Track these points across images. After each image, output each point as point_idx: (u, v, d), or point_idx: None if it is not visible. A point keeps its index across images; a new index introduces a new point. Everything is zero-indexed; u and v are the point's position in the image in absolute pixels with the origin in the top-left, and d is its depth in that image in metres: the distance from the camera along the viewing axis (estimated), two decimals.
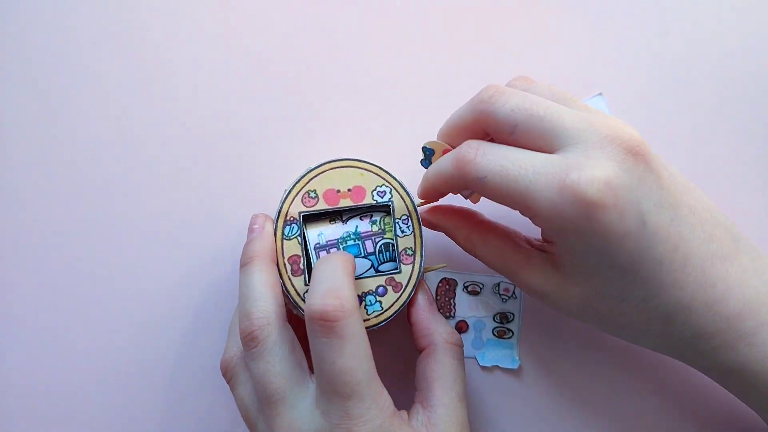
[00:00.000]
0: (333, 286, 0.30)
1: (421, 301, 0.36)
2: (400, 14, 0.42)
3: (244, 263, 0.34)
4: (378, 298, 0.35)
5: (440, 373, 0.34)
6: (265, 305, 0.32)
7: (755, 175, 0.41)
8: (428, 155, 0.35)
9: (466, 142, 0.32)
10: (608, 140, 0.29)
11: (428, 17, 0.42)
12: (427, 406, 0.33)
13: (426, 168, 0.35)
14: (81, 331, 0.39)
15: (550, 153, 0.30)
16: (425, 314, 0.35)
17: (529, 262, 0.33)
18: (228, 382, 0.35)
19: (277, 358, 0.31)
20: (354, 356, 0.29)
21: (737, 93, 0.42)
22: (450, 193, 0.35)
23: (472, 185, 0.31)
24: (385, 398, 0.31)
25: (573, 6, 0.42)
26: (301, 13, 0.42)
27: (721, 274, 0.31)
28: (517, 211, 0.31)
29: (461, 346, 0.35)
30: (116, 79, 0.41)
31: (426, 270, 0.36)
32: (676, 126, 0.41)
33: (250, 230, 0.36)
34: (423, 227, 0.36)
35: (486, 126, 0.32)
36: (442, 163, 0.33)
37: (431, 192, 0.35)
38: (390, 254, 0.36)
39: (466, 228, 0.36)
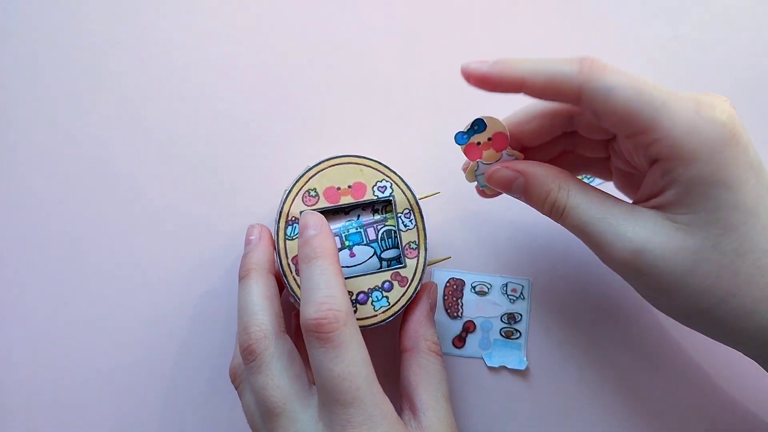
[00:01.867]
0: (325, 294, 0.30)
1: (422, 303, 0.36)
2: (402, 11, 0.42)
3: (242, 276, 0.34)
4: (384, 294, 0.35)
5: (424, 377, 0.34)
6: (262, 318, 0.32)
7: None
8: (475, 131, 0.32)
9: (588, 56, 0.28)
10: (714, 96, 0.29)
11: (430, 13, 0.42)
12: (415, 410, 0.33)
13: (460, 143, 0.33)
14: (84, 328, 0.39)
15: None
16: (418, 316, 0.35)
17: (634, 211, 0.29)
18: (236, 389, 0.34)
19: (275, 372, 0.31)
20: (353, 362, 0.29)
21: (745, 95, 0.41)
22: (515, 92, 0.30)
23: (590, 94, 0.28)
24: (387, 404, 0.30)
25: (577, 6, 0.42)
26: (300, 12, 0.42)
27: None
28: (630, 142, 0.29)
29: (441, 356, 0.35)
30: (120, 78, 0.41)
31: (430, 263, 0.36)
32: None
33: (247, 242, 0.36)
34: (425, 221, 0.36)
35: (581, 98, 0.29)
36: (553, 59, 0.29)
37: (506, 77, 0.29)
38: (392, 241, 0.35)
39: (558, 176, 0.31)
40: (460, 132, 0.33)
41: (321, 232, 0.32)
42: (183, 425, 0.39)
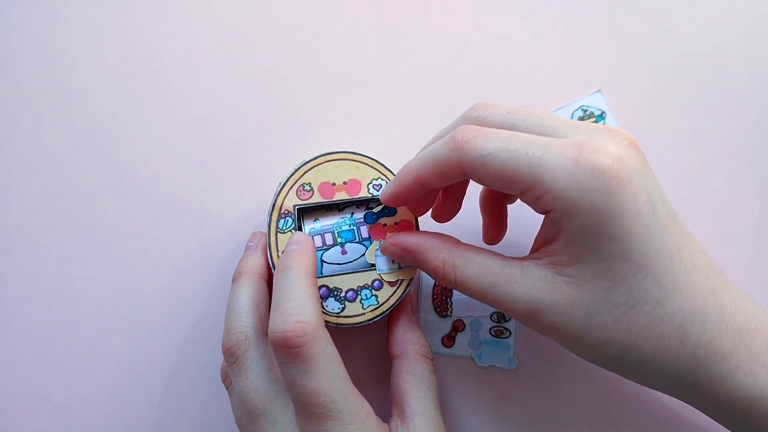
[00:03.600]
0: (292, 306, 0.29)
1: (405, 309, 0.36)
2: (396, 6, 0.42)
3: (234, 279, 0.34)
4: (374, 292, 0.34)
5: (413, 383, 0.33)
6: (245, 320, 0.32)
7: (754, 172, 0.41)
8: (385, 213, 0.35)
9: (461, 126, 0.29)
10: (608, 131, 0.29)
11: (424, 10, 0.42)
12: (404, 417, 0.33)
13: (368, 222, 0.35)
14: (73, 329, 0.39)
15: None
16: (403, 322, 0.35)
17: (523, 273, 0.29)
18: (226, 389, 0.34)
19: (255, 374, 0.31)
20: (324, 376, 0.29)
21: (737, 89, 0.41)
22: (424, 191, 0.32)
23: (469, 166, 0.28)
24: (365, 411, 0.30)
25: (572, 2, 0.42)
26: (295, 6, 0.41)
27: (724, 286, 0.29)
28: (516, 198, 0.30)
29: (432, 359, 0.35)
30: (109, 76, 0.40)
31: None
32: (675, 122, 0.41)
33: (246, 247, 0.36)
34: (418, 219, 0.36)
35: (472, 175, 0.29)
36: (432, 147, 0.30)
37: (410, 185, 0.31)
38: None
39: (442, 249, 0.31)
40: (369, 211, 0.35)
41: (303, 247, 0.32)
42: (181, 424, 0.38)
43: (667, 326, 0.28)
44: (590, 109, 0.41)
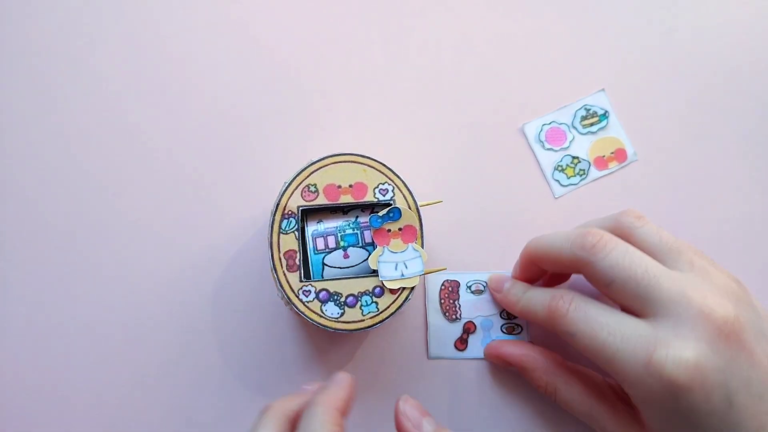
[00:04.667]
0: None
1: (398, 414, 0.32)
2: (401, 8, 0.41)
3: (262, 410, 0.31)
4: (374, 299, 0.34)
5: None
6: None
7: (759, 172, 0.40)
8: (390, 217, 0.34)
9: (559, 292, 0.33)
10: (701, 318, 0.29)
11: (430, 11, 0.41)
12: None
13: (374, 225, 0.34)
14: (72, 328, 0.38)
15: (641, 316, 0.30)
16: (399, 405, 0.32)
17: (615, 414, 0.33)
18: None
19: None
20: None
21: (740, 88, 0.41)
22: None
23: (560, 335, 0.33)
24: None
25: (575, 0, 0.41)
26: (305, 7, 0.40)
27: None
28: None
29: None
30: (112, 73, 0.40)
31: (426, 272, 0.35)
32: (679, 122, 0.41)
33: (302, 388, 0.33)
34: (423, 226, 0.35)
35: (583, 272, 0.32)
36: (534, 301, 0.35)
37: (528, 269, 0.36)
38: None
39: (546, 371, 0.35)
40: (374, 215, 0.34)
41: (338, 386, 0.31)
42: (178, 424, 0.38)
43: None
44: (593, 108, 0.40)
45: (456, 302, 0.39)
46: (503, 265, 0.39)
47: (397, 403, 0.32)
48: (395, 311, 0.34)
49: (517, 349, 0.36)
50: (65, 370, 0.37)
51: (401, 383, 0.38)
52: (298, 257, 0.34)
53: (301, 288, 0.34)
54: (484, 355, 0.38)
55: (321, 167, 0.35)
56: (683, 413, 0.29)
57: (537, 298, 0.34)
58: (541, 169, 0.40)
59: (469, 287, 0.39)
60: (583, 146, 0.40)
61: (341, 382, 0.31)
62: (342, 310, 0.34)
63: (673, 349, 0.28)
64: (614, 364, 0.30)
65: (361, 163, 0.35)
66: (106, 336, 0.38)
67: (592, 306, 0.32)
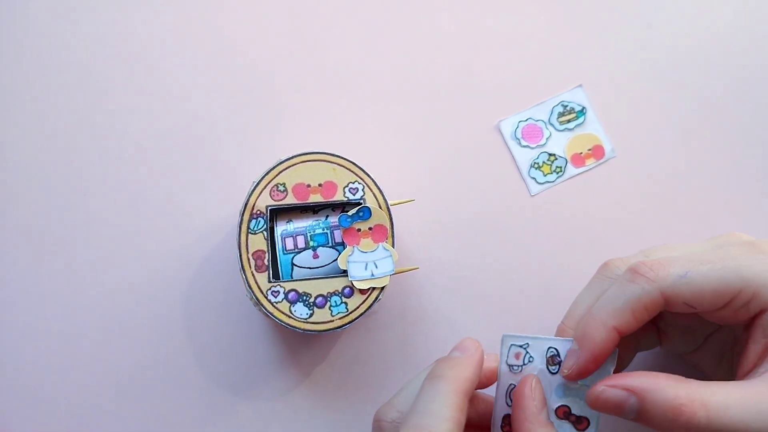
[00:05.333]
0: (424, 422, 0.26)
1: (526, 403, 0.28)
2: (374, 4, 0.40)
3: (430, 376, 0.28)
4: (344, 299, 0.34)
5: None
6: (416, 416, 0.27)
7: (737, 166, 0.40)
8: (359, 217, 0.33)
9: (637, 262, 0.29)
10: None
11: (404, 6, 0.40)
12: None
13: (343, 225, 0.33)
14: (42, 331, 0.37)
15: None
16: (529, 425, 0.28)
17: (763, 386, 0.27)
18: None
19: None
20: None
21: (719, 84, 0.40)
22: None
23: (670, 290, 0.28)
24: None
25: None
26: (272, 4, 0.40)
27: None
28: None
29: None
30: (78, 75, 0.39)
31: (397, 272, 0.34)
32: (657, 118, 0.40)
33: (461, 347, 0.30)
34: (394, 224, 0.34)
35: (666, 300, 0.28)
36: (613, 290, 0.29)
37: (606, 340, 0.28)
38: None
39: (676, 385, 0.27)
40: (344, 214, 0.34)
41: (465, 357, 0.28)
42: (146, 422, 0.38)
43: None
44: (571, 105, 0.40)
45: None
46: (480, 265, 0.38)
47: (531, 377, 0.29)
48: (365, 311, 0.34)
49: (624, 377, 0.28)
50: (34, 373, 0.37)
51: (376, 384, 0.37)
52: (266, 257, 0.34)
53: (270, 288, 0.33)
54: (591, 405, 0.28)
55: (290, 166, 0.34)
56: None
57: (617, 288, 0.29)
58: (517, 167, 0.39)
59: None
60: (559, 143, 0.40)
61: (471, 353, 0.28)
62: (311, 311, 0.33)
63: None
64: (744, 273, 0.27)
65: (331, 162, 0.34)
66: (76, 339, 0.37)
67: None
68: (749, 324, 0.28)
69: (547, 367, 0.29)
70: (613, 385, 0.27)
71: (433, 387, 0.27)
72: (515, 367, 0.30)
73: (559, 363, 0.29)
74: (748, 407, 0.25)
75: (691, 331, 0.33)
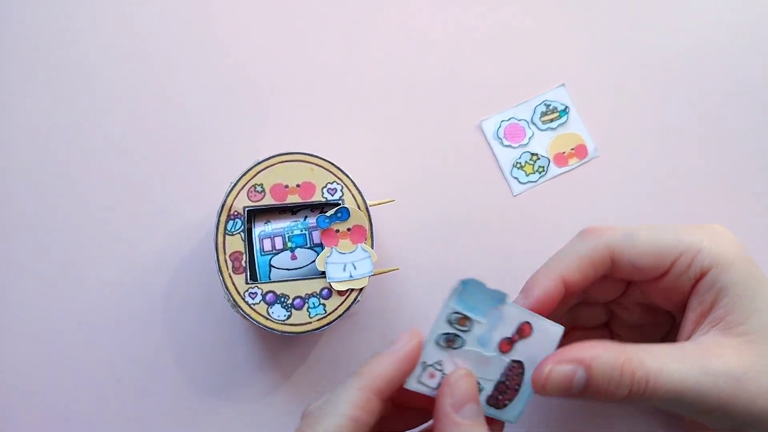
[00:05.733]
0: (325, 424, 0.25)
1: (440, 401, 0.27)
2: (356, 2, 0.40)
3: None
4: (322, 301, 0.33)
5: None
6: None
7: (720, 166, 0.39)
8: (338, 218, 0.33)
9: (589, 225, 0.31)
10: None
11: (382, 6, 0.40)
12: None
13: (321, 226, 0.33)
14: (18, 331, 0.37)
15: None
16: (440, 425, 0.26)
17: (708, 345, 0.28)
18: None
19: None
20: None
21: (702, 84, 0.40)
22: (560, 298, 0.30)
23: (618, 247, 0.29)
24: None
25: None
26: (252, 3, 0.40)
27: None
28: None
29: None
30: (60, 74, 0.39)
31: (375, 273, 0.34)
32: (640, 117, 0.40)
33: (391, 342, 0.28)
34: (372, 225, 0.34)
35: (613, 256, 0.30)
36: (565, 247, 0.31)
37: (552, 289, 0.29)
38: None
39: (617, 349, 0.27)
40: (322, 215, 0.33)
41: (392, 353, 0.27)
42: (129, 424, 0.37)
43: None
44: (553, 104, 0.40)
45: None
46: (461, 265, 0.38)
47: (453, 373, 0.27)
48: (343, 313, 0.33)
49: (570, 351, 0.28)
50: (9, 375, 0.37)
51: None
52: (244, 259, 0.33)
53: (248, 290, 0.33)
54: (541, 390, 0.28)
55: (268, 167, 0.34)
56: (757, 270, 0.29)
57: (568, 245, 0.31)
58: (500, 167, 0.39)
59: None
60: (542, 143, 0.39)
61: (398, 350, 0.27)
62: (289, 313, 0.33)
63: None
64: (687, 237, 0.29)
65: (309, 162, 0.34)
66: (53, 339, 0.37)
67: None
68: (689, 297, 0.29)
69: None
70: (560, 360, 0.27)
71: (345, 383, 0.27)
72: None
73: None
74: (685, 363, 0.27)
75: (645, 332, 0.34)
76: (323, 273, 0.33)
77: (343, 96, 0.39)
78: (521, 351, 0.28)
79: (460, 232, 0.38)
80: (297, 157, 0.34)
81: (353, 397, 0.26)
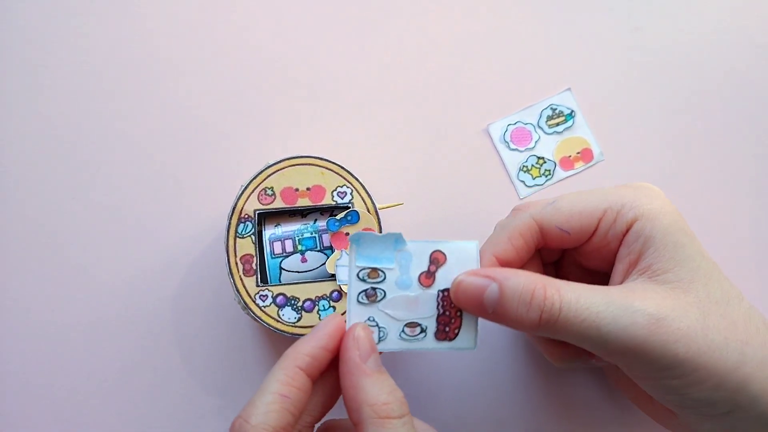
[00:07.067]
0: (253, 404, 0.26)
1: (349, 359, 0.27)
2: (363, 8, 0.40)
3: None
4: (332, 303, 0.34)
5: None
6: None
7: (725, 169, 0.40)
8: (348, 221, 0.33)
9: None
10: None
11: (390, 11, 0.40)
12: None
13: (331, 229, 0.33)
14: (27, 332, 0.37)
15: None
16: (350, 380, 0.27)
17: (632, 288, 0.28)
18: None
19: None
20: None
21: (707, 87, 0.41)
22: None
23: (539, 216, 0.30)
24: None
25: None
26: (262, 7, 0.40)
27: None
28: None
29: (400, 416, 0.26)
30: (68, 76, 0.39)
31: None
32: (645, 121, 0.40)
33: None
34: (381, 228, 0.34)
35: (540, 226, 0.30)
36: (496, 227, 0.32)
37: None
38: None
39: (534, 275, 0.28)
40: (332, 218, 0.34)
41: (314, 333, 0.28)
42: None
43: (757, 319, 0.28)
44: (560, 108, 0.40)
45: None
46: None
47: (355, 326, 0.28)
48: None
49: (487, 270, 0.29)
50: (20, 375, 0.37)
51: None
52: (254, 261, 0.34)
53: (258, 293, 0.33)
54: (454, 298, 0.29)
55: (278, 170, 0.34)
56: (681, 218, 0.30)
57: (497, 225, 0.32)
58: (506, 170, 0.39)
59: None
60: (548, 146, 0.40)
61: (320, 328, 0.28)
62: (299, 315, 0.33)
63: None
64: (610, 196, 0.30)
65: (319, 166, 0.34)
66: (64, 340, 0.37)
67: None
68: (622, 238, 0.30)
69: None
70: (474, 273, 0.28)
71: (274, 369, 0.27)
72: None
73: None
74: (605, 299, 0.26)
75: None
76: (333, 276, 0.34)
77: (353, 101, 0.40)
78: (444, 278, 0.29)
79: (467, 235, 0.39)
80: (307, 161, 0.34)
81: (280, 375, 0.27)
